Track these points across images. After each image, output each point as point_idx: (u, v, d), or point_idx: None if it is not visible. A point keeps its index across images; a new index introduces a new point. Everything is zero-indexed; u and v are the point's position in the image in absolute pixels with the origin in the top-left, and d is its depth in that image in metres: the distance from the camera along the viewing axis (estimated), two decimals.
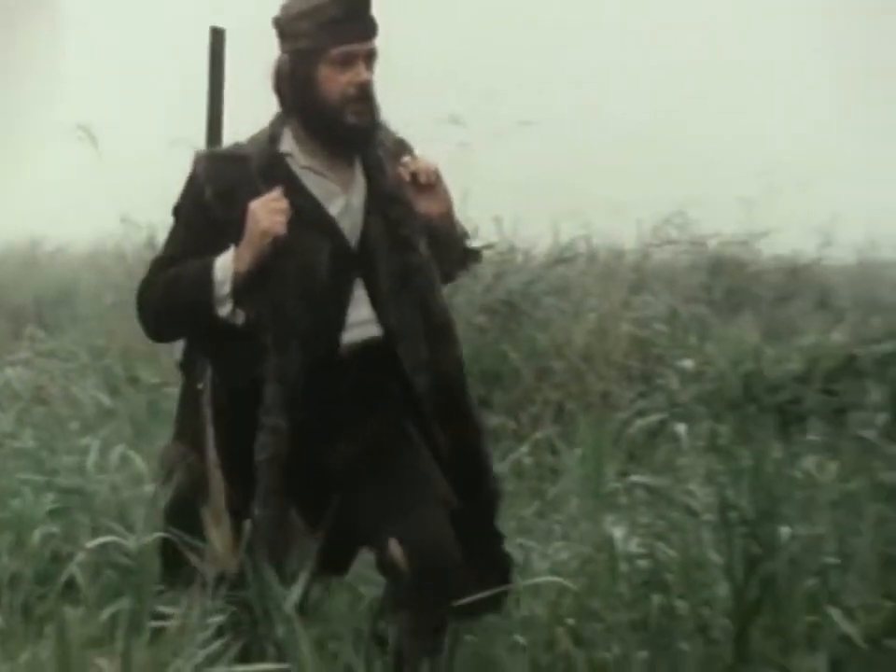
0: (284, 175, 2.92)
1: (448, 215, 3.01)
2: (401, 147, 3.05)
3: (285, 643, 2.64)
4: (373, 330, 2.95)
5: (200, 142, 3.24)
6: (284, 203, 2.85)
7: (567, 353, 6.98)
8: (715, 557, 3.68)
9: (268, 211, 2.84)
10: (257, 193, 2.87)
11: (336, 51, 2.86)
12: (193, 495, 2.94)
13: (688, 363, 6.67)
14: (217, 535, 2.89)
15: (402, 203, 2.96)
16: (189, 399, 3.03)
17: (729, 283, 9.62)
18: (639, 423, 5.91)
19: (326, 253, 2.91)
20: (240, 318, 2.89)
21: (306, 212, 2.90)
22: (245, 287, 2.87)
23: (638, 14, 20.78)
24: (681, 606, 3.47)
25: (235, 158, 2.96)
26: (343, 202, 2.95)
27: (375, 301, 2.95)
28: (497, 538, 3.05)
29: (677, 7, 20.98)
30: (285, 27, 2.94)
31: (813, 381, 6.07)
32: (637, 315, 7.62)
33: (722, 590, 3.50)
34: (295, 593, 2.72)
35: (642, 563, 3.67)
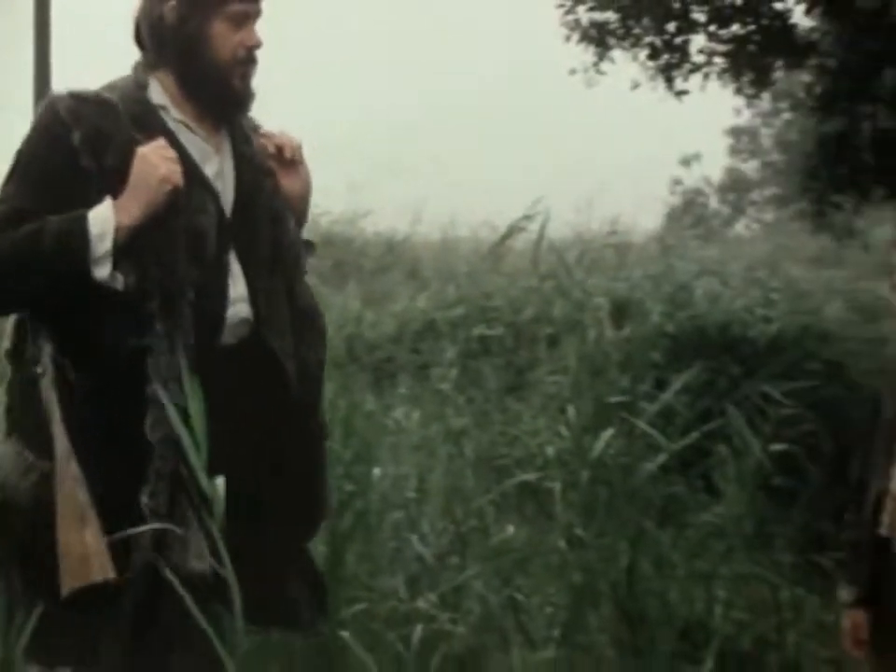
0: (159, 127, 2.28)
1: (306, 197, 2.47)
2: (254, 123, 2.47)
3: None
4: (247, 310, 2.32)
5: None
6: (174, 153, 2.23)
7: None
8: None
9: (162, 158, 2.20)
10: (132, 142, 2.21)
11: (236, 7, 2.28)
12: (34, 500, 2.19)
13: None
14: (85, 538, 2.14)
15: (272, 175, 2.40)
16: (23, 389, 2.27)
17: (337, 256, 9.79)
18: None
19: (213, 214, 2.30)
20: (118, 282, 2.18)
21: (186, 169, 2.26)
22: (127, 245, 2.18)
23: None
24: None
25: (101, 101, 2.25)
26: (217, 164, 2.35)
27: (248, 278, 2.33)
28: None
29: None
30: None
31: (403, 341, 6.31)
32: None
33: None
34: None
35: None
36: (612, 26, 6.66)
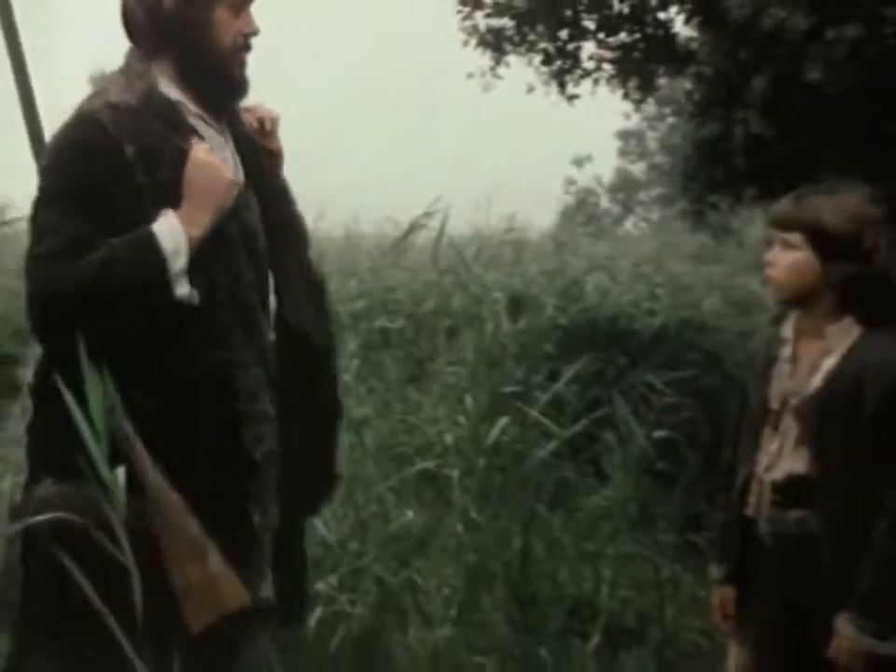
0: (185, 125, 2.10)
1: (281, 166, 2.32)
2: None
3: None
4: (275, 299, 2.19)
5: None
6: (219, 155, 2.09)
7: None
8: None
9: (222, 161, 2.05)
10: (177, 149, 2.03)
11: None
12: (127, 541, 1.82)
13: None
14: (208, 567, 1.92)
15: (265, 150, 2.26)
16: (72, 426, 1.87)
17: None
18: None
19: (255, 210, 2.14)
20: (195, 298, 1.99)
21: None
22: (195, 256, 2.00)
23: None
24: None
25: (133, 108, 2.04)
26: (230, 152, 2.19)
27: (272, 263, 2.18)
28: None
29: None
30: None
31: None
32: None
33: None
34: None
35: None
36: (508, 32, 6.73)
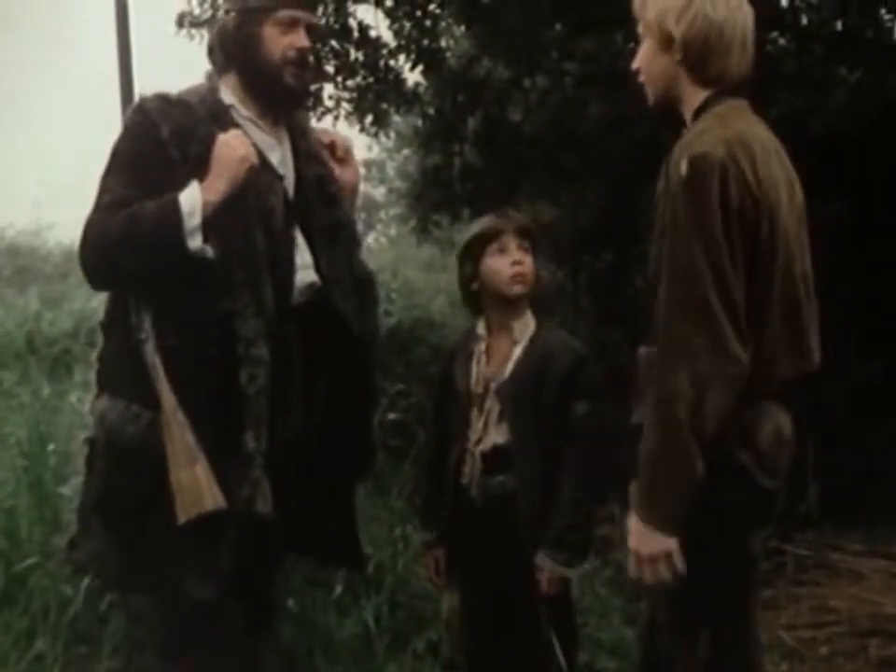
0: (231, 122, 2.21)
1: (356, 188, 2.43)
2: (308, 123, 2.49)
3: None
4: (313, 276, 2.25)
5: None
6: (248, 140, 2.18)
7: None
8: None
9: (240, 142, 2.14)
10: (211, 134, 2.14)
11: (283, 14, 2.22)
12: (142, 442, 2.08)
13: None
14: (196, 473, 2.04)
15: (326, 164, 2.35)
16: (123, 354, 2.14)
17: (20, 263, 9.20)
18: None
19: (280, 195, 2.23)
20: (209, 252, 2.09)
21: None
22: (213, 220, 2.09)
23: None
24: None
25: (182, 102, 2.19)
26: (279, 154, 2.28)
27: (311, 249, 2.27)
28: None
29: None
30: None
31: (79, 336, 5.96)
32: None
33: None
34: None
35: None
36: None
